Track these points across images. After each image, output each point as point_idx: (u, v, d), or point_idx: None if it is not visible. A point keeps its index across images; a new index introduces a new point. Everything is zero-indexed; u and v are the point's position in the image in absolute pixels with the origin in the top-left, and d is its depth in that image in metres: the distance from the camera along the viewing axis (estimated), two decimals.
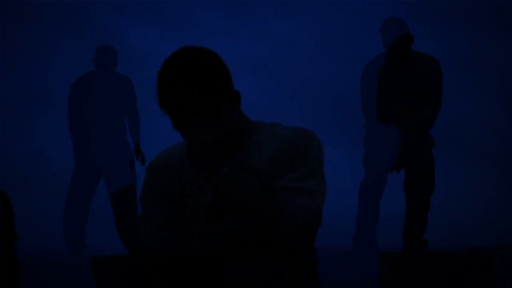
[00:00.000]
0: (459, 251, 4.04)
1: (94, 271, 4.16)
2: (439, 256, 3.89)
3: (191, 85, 1.39)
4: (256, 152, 1.47)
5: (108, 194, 4.56)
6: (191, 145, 1.50)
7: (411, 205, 4.02)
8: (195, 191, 1.50)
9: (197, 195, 1.49)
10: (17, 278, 1.98)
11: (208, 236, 1.48)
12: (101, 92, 4.66)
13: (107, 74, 4.71)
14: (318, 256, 1.56)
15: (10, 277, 1.93)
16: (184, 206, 1.51)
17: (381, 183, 6.05)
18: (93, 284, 4.08)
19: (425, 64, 4.01)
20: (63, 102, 5.15)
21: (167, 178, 1.55)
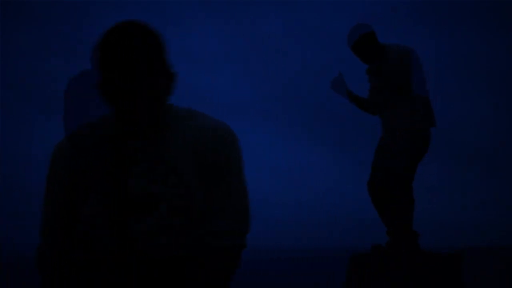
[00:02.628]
0: (451, 251, 4.05)
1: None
2: (406, 256, 3.90)
3: (141, 43, 1.32)
4: (174, 144, 1.37)
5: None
6: (122, 114, 1.35)
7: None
8: (120, 178, 1.35)
9: (123, 184, 1.35)
10: None
11: (133, 233, 1.33)
12: (96, 92, 4.65)
13: None
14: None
15: None
16: (105, 197, 1.36)
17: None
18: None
19: (393, 58, 4.06)
20: (62, 102, 5.12)
21: (81, 160, 1.41)
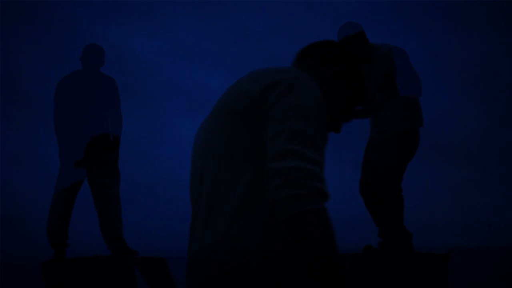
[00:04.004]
0: (441, 251, 4.06)
1: (43, 274, 4.18)
2: (404, 257, 3.91)
3: None
4: None
5: (91, 194, 4.54)
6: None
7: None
8: None
9: None
10: None
11: None
12: (85, 93, 4.60)
13: (92, 74, 4.65)
14: None
15: None
16: None
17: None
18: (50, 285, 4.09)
19: (382, 56, 4.03)
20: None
21: None
